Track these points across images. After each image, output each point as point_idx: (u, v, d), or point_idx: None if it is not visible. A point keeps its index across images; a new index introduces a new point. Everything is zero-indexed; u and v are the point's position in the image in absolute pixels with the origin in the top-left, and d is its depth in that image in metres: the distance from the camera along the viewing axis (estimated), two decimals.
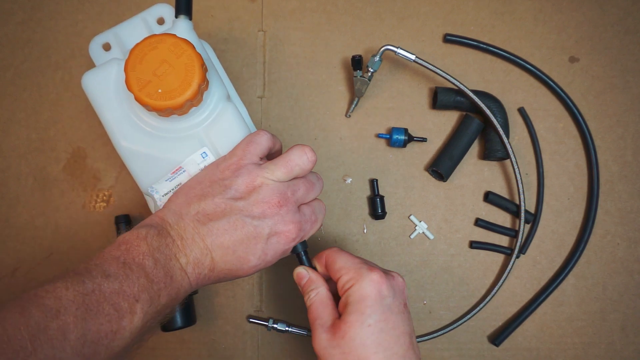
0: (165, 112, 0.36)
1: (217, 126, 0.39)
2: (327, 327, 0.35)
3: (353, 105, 0.55)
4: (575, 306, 0.54)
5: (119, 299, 0.29)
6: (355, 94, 0.54)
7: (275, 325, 0.52)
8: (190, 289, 0.35)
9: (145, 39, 0.36)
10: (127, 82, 0.36)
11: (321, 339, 0.35)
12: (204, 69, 0.37)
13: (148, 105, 0.35)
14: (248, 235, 0.35)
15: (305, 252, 0.41)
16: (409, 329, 0.36)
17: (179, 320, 0.50)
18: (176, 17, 0.41)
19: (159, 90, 0.35)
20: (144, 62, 0.36)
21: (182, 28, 0.40)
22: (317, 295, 0.38)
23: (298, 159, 0.38)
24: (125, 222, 0.52)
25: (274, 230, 0.36)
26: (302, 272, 0.40)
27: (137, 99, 0.35)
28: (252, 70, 0.57)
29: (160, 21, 0.45)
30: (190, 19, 0.41)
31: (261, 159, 0.38)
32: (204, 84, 0.37)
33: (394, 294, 0.35)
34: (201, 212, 0.35)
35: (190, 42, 0.37)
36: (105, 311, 0.28)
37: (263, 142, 0.38)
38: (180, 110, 0.36)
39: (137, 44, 0.36)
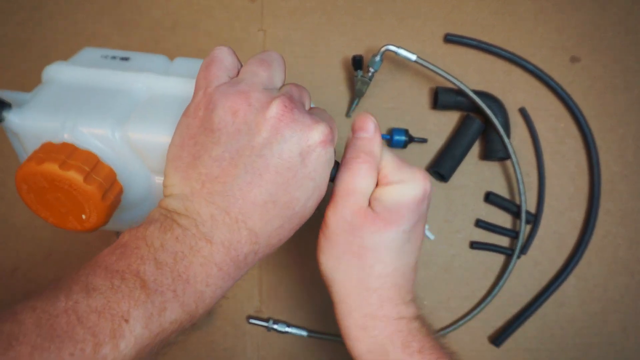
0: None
1: (148, 152, 0.34)
2: (351, 207, 0.30)
3: (353, 105, 0.54)
4: (576, 307, 0.53)
5: (99, 320, 0.22)
6: (355, 94, 0.54)
7: (275, 326, 0.52)
8: (228, 282, 0.27)
9: (17, 182, 0.31)
10: (45, 219, 0.32)
11: (343, 214, 0.30)
12: (89, 175, 0.31)
13: (86, 230, 0.32)
14: (278, 171, 0.26)
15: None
16: (421, 243, 0.33)
17: None
18: (1, 122, 0.33)
19: (84, 217, 0.32)
20: (39, 201, 0.32)
21: (19, 125, 0.32)
22: (368, 167, 0.30)
23: (269, 54, 0.30)
24: None
25: (304, 145, 0.27)
26: (372, 122, 0.31)
27: (70, 230, 0.33)
28: None
29: None
30: (9, 106, 0.33)
31: (231, 78, 0.29)
32: (103, 185, 0.31)
33: (429, 202, 0.32)
34: (207, 180, 0.27)
35: (45, 160, 0.30)
36: (78, 337, 0.21)
37: (224, 57, 0.29)
38: (113, 208, 0.33)
39: (17, 187, 0.31)
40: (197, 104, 0.28)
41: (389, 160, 0.31)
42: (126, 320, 0.23)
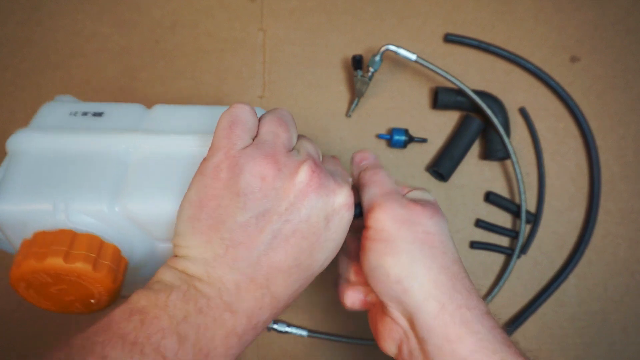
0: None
1: (147, 223, 0.31)
2: (401, 202, 0.30)
3: (353, 105, 0.54)
4: (576, 306, 0.53)
5: None
6: (355, 94, 0.54)
7: (275, 326, 0.52)
8: (244, 347, 0.26)
9: (12, 282, 0.29)
10: (52, 310, 0.30)
11: (397, 211, 0.29)
12: (95, 261, 0.28)
13: (95, 311, 0.31)
14: (304, 236, 0.26)
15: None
16: None
17: None
18: None
19: (92, 301, 0.30)
20: (42, 296, 0.29)
21: (7, 216, 0.29)
22: (386, 174, 0.32)
23: (283, 114, 0.30)
24: None
25: (329, 210, 0.27)
26: (370, 153, 0.34)
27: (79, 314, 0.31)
28: (252, 70, 0.56)
29: None
30: None
31: (252, 139, 0.28)
32: (111, 268, 0.29)
33: None
34: (231, 245, 0.25)
35: (45, 255, 0.27)
36: None
37: (248, 118, 0.28)
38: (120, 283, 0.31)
39: (13, 285, 0.29)
40: (218, 164, 0.26)
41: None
42: None
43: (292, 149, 0.29)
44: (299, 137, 0.30)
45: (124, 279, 0.31)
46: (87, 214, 0.29)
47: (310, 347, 0.54)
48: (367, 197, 0.30)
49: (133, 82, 0.56)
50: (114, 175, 0.31)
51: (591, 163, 0.54)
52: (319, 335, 0.53)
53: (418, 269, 0.27)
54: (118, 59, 0.57)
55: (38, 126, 0.33)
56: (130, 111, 0.35)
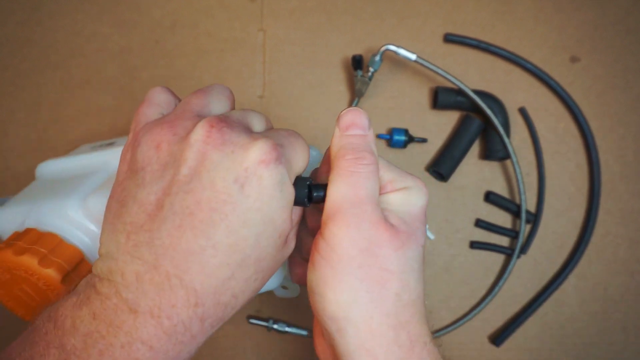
0: None
1: None
2: (377, 221, 0.23)
3: (353, 105, 0.54)
4: (576, 306, 0.53)
5: None
6: (355, 94, 0.54)
7: (275, 326, 0.52)
8: None
9: None
10: (19, 316, 0.30)
11: (358, 230, 0.23)
12: (46, 257, 0.28)
13: None
14: (212, 205, 0.21)
15: (313, 186, 0.26)
16: None
17: None
18: None
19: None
20: (6, 294, 0.30)
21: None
22: (374, 169, 0.25)
23: (211, 85, 0.26)
24: None
25: (240, 170, 0.22)
26: (365, 118, 0.26)
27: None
28: (252, 69, 0.56)
29: None
30: None
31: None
32: (62, 267, 0.28)
33: None
34: (132, 230, 0.21)
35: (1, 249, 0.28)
36: None
37: (155, 95, 0.25)
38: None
39: None
40: (126, 147, 0.24)
41: (387, 165, 0.27)
42: None
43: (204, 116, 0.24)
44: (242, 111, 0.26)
45: (82, 269, 0.30)
46: (57, 217, 0.29)
47: (310, 347, 0.54)
48: (333, 195, 0.24)
49: (133, 82, 0.56)
50: (93, 184, 0.31)
51: (591, 163, 0.54)
52: None
53: (357, 313, 0.23)
54: (118, 59, 0.57)
55: (65, 156, 0.38)
56: None
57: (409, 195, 0.25)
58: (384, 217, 0.24)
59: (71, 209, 0.29)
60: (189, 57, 0.57)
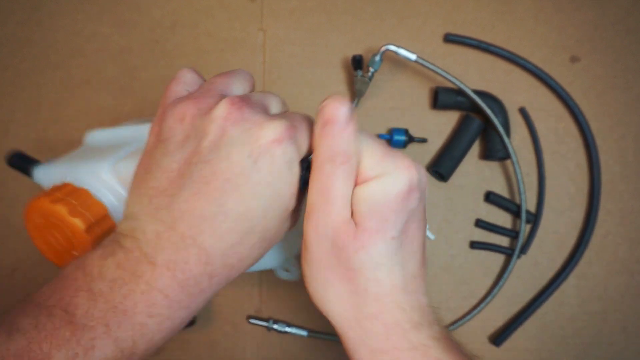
0: None
1: None
2: (341, 222, 0.25)
3: (353, 105, 0.54)
4: (576, 306, 0.53)
5: None
6: (355, 94, 0.54)
7: (275, 326, 0.52)
8: (179, 312, 0.24)
9: (25, 218, 0.33)
10: (46, 257, 0.34)
11: (324, 230, 0.25)
12: (75, 208, 0.32)
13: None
14: (226, 177, 0.23)
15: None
16: (424, 239, 0.28)
17: None
18: (31, 177, 0.37)
19: (75, 253, 0.33)
20: (39, 236, 0.33)
21: (43, 178, 0.36)
22: (351, 169, 0.25)
23: (234, 70, 0.29)
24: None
25: (254, 146, 0.24)
26: (348, 108, 0.25)
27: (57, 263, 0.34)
28: (252, 70, 0.56)
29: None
30: (38, 162, 0.37)
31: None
32: (89, 218, 0.32)
33: (421, 195, 0.25)
34: (154, 194, 0.24)
35: (40, 196, 0.32)
36: None
37: (184, 74, 0.28)
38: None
39: (26, 223, 0.33)
40: (155, 121, 0.26)
41: (370, 149, 0.25)
42: None
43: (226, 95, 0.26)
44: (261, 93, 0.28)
45: (105, 224, 0.34)
46: (91, 176, 0.34)
47: (310, 347, 0.54)
48: (309, 195, 0.26)
49: (133, 82, 0.56)
50: (121, 153, 0.36)
51: (591, 163, 0.54)
52: (319, 335, 0.53)
53: (332, 306, 0.26)
54: (118, 59, 0.57)
55: (109, 128, 0.41)
56: None
57: (383, 184, 0.24)
58: (348, 217, 0.25)
59: (103, 171, 0.34)
60: (189, 57, 0.57)
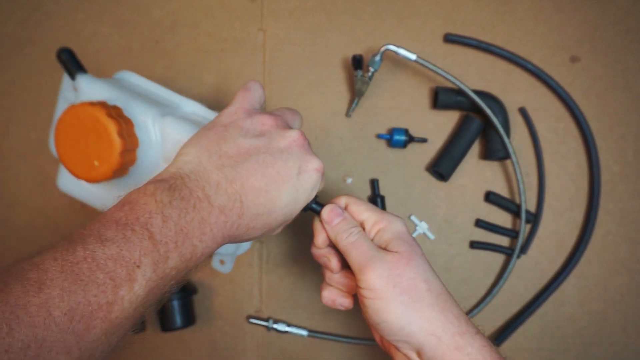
0: (114, 174, 0.38)
1: (169, 144, 0.41)
2: (382, 259, 0.34)
3: (353, 105, 0.54)
4: (576, 306, 0.53)
5: (115, 266, 0.26)
6: (355, 94, 0.54)
7: (275, 326, 0.52)
8: (214, 244, 0.31)
9: (60, 117, 0.37)
10: (63, 163, 0.37)
11: (382, 269, 0.34)
12: (122, 131, 0.37)
13: (90, 180, 0.38)
14: (279, 171, 0.33)
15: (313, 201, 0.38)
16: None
17: (178, 320, 0.50)
18: (73, 79, 0.41)
19: (96, 164, 0.37)
20: (68, 139, 0.37)
21: (85, 87, 0.40)
22: (360, 233, 0.36)
23: (296, 111, 0.40)
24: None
25: (304, 165, 0.34)
26: (337, 209, 0.37)
27: (77, 176, 0.38)
28: (252, 70, 0.56)
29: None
30: (85, 72, 0.41)
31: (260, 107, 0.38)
32: (127, 145, 0.37)
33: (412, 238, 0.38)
34: (224, 156, 0.32)
35: (97, 105, 0.37)
36: (99, 281, 0.25)
37: (257, 90, 0.38)
38: (122, 170, 0.38)
39: (57, 124, 0.37)
40: (235, 110, 0.35)
41: (369, 210, 0.37)
42: (138, 266, 0.26)
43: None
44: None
45: (126, 167, 0.38)
46: (138, 114, 0.40)
47: (310, 347, 0.54)
48: (352, 261, 0.35)
49: None
50: (169, 110, 0.42)
51: (591, 163, 0.54)
52: (319, 335, 0.53)
53: (413, 316, 0.33)
54: (118, 59, 0.57)
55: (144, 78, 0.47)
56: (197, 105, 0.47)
57: (394, 225, 0.36)
58: (384, 249, 0.35)
59: (153, 116, 0.40)
60: (189, 57, 0.57)
